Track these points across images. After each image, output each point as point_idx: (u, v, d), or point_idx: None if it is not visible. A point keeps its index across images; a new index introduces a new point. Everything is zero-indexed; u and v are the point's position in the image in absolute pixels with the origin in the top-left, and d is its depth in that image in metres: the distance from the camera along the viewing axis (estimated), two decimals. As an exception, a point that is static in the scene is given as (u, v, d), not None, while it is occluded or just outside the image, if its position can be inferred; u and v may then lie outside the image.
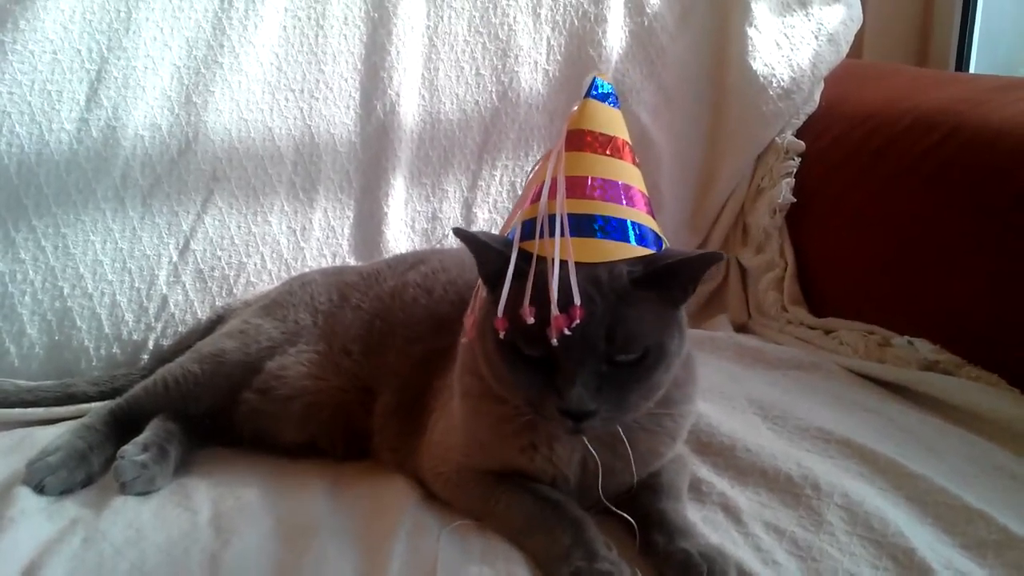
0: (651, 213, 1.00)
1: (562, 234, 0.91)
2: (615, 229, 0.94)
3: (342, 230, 1.72)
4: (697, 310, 1.83)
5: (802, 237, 1.79)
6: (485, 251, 0.97)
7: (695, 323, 1.75)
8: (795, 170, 1.82)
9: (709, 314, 1.82)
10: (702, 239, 1.90)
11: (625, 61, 1.89)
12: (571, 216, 0.93)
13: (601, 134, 0.99)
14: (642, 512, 1.02)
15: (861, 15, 2.03)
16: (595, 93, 1.01)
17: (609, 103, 1.02)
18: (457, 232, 0.98)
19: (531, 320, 0.88)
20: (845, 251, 1.70)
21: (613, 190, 0.97)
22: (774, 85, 1.88)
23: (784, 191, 1.79)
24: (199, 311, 1.59)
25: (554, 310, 0.87)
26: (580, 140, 0.98)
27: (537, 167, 1.02)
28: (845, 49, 1.98)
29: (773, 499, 1.09)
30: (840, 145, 1.79)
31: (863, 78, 1.97)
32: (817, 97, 1.92)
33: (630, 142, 1.02)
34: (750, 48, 1.89)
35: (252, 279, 1.63)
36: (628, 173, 0.99)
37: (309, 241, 1.69)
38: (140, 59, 1.62)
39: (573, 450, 1.03)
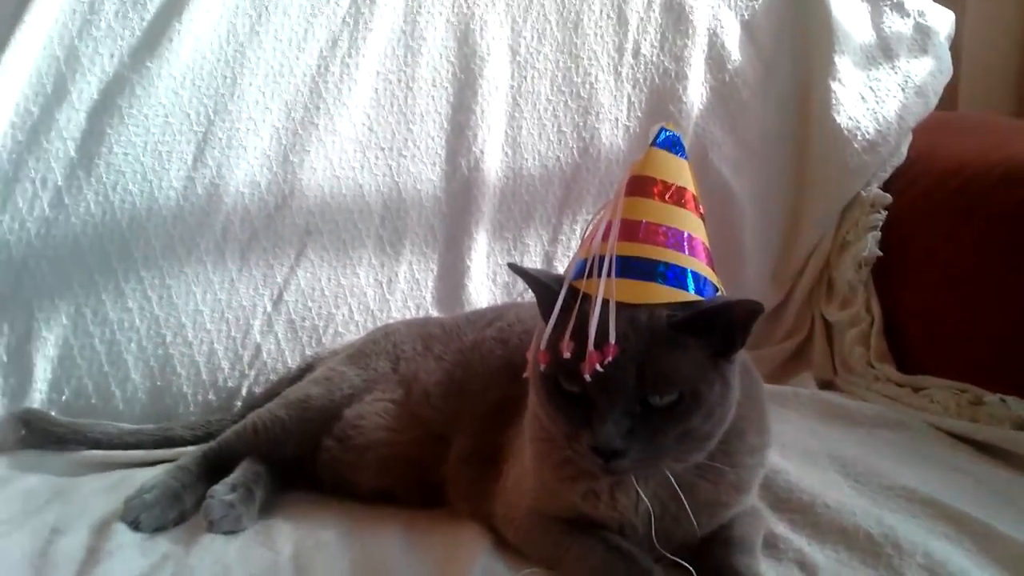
0: (711, 264, 1.01)
1: (609, 274, 0.93)
2: (676, 276, 0.96)
3: (426, 283, 1.77)
4: (781, 365, 1.80)
5: (889, 292, 1.74)
6: (536, 286, 1.01)
7: (778, 379, 1.72)
8: (881, 223, 1.79)
9: (794, 370, 1.78)
10: (785, 293, 1.88)
11: (706, 116, 1.91)
12: (629, 258, 0.95)
13: (663, 182, 1.00)
14: (714, 565, 1.01)
15: (951, 67, 2.00)
16: (660, 142, 1.03)
17: (675, 152, 1.03)
18: (512, 267, 1.04)
19: (567, 354, 0.91)
20: (935, 306, 1.65)
21: (676, 238, 0.98)
22: (859, 138, 1.86)
23: (870, 244, 1.76)
24: (290, 360, 1.66)
25: (590, 346, 0.90)
26: (640, 186, 1.00)
27: (601, 212, 1.04)
28: (934, 101, 1.95)
29: (852, 558, 1.06)
30: (929, 198, 1.75)
31: (953, 130, 1.94)
32: (904, 150, 1.89)
33: (695, 192, 1.03)
34: (834, 102, 1.88)
35: (340, 329, 1.69)
36: (690, 223, 1.00)
37: (394, 293, 1.74)
38: (243, 121, 1.73)
39: (639, 499, 1.02)
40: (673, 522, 1.03)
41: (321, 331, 1.69)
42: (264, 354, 1.65)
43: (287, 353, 1.66)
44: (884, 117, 1.88)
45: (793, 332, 1.85)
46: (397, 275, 1.75)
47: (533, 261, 1.82)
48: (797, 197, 1.91)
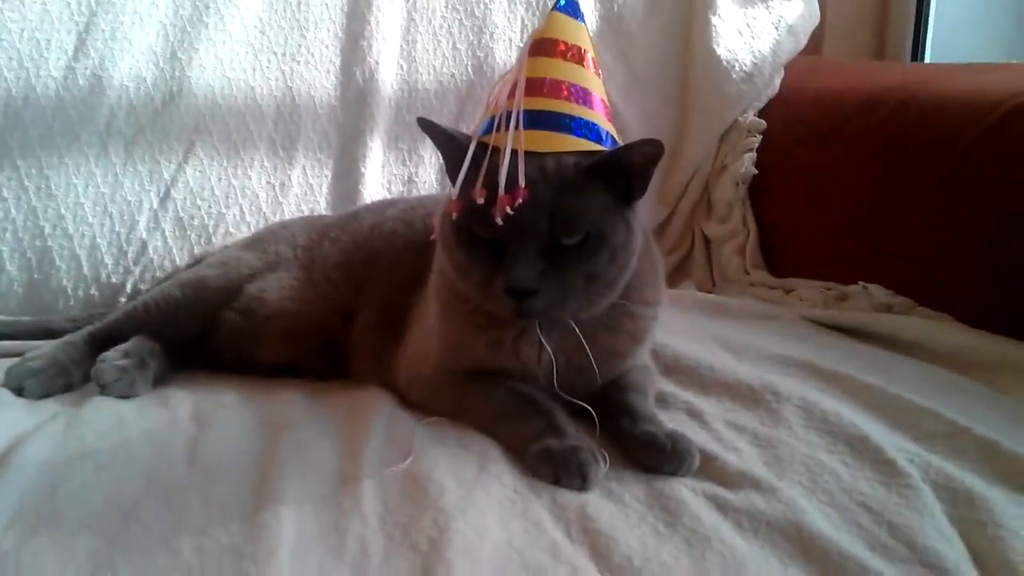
0: (610, 118, 1.07)
1: (516, 127, 0.97)
2: (580, 127, 1.01)
3: (320, 188, 1.76)
4: (665, 278, 1.88)
5: (763, 207, 1.86)
6: (447, 141, 1.04)
7: (661, 289, 1.81)
8: (756, 146, 1.90)
9: (676, 282, 1.87)
10: (669, 211, 1.97)
11: (596, 44, 1.95)
12: (535, 112, 1.00)
13: (564, 42, 1.05)
14: (609, 405, 1.06)
15: (818, 12, 2.14)
16: (560, 6, 1.08)
17: (573, 16, 1.08)
18: (421, 122, 1.05)
19: (480, 200, 0.95)
20: (803, 218, 1.78)
21: (578, 93, 1.03)
22: (736, 69, 1.97)
23: (746, 165, 1.88)
24: (178, 258, 1.62)
25: (500, 190, 0.93)
26: (543, 47, 1.05)
27: (504, 77, 1.08)
28: (804, 40, 2.09)
29: (735, 405, 1.15)
30: (798, 123, 1.88)
31: (821, 70, 2.08)
32: (777, 82, 2.02)
33: (593, 53, 1.08)
34: (714, 35, 1.99)
35: (231, 229, 1.66)
36: (590, 80, 1.06)
37: (288, 196, 1.73)
38: (128, 14, 1.66)
39: (541, 349, 1.06)
40: (575, 372, 1.08)
41: (211, 230, 1.65)
42: (150, 250, 1.60)
43: (175, 251, 1.62)
44: (759, 51, 2.00)
45: (676, 247, 1.95)
46: (290, 179, 1.74)
47: (428, 172, 1.84)
48: (680, 122, 2.00)
